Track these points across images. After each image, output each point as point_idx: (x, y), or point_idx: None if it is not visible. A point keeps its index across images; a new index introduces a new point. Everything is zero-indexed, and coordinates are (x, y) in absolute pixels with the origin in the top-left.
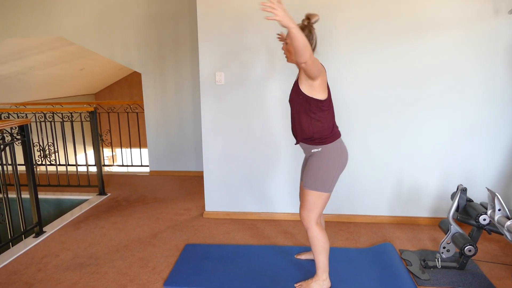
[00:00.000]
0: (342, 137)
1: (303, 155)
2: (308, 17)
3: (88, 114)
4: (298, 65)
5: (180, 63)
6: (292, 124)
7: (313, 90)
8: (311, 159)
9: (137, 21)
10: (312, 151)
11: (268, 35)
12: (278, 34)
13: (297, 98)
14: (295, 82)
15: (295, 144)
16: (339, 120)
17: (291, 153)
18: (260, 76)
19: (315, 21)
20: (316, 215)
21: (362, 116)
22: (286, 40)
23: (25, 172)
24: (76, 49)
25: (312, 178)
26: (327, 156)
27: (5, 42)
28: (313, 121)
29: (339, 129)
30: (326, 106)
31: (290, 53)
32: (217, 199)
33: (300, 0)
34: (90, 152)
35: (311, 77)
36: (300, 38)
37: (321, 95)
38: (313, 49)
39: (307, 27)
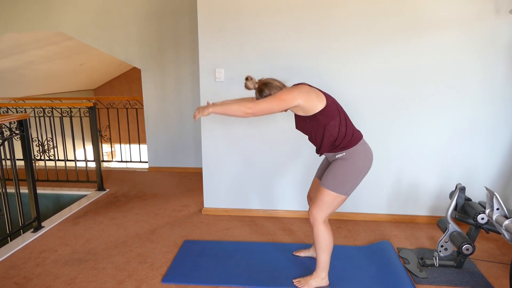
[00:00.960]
0: None
1: (305, 152)
2: (247, 87)
3: (87, 109)
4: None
5: (180, 59)
6: (313, 142)
7: (307, 110)
8: (335, 163)
9: (137, 17)
10: (337, 156)
11: (268, 31)
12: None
13: (304, 122)
14: (294, 115)
15: (319, 156)
16: None
17: (291, 150)
18: (260, 73)
19: (253, 85)
20: (326, 215)
21: (361, 114)
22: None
23: (23, 167)
24: (76, 44)
25: (332, 179)
26: (351, 160)
27: (5, 37)
28: (330, 130)
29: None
30: (333, 112)
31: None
32: (216, 195)
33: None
34: (89, 147)
35: (284, 109)
36: (225, 110)
37: (318, 107)
38: (283, 86)
39: (259, 87)
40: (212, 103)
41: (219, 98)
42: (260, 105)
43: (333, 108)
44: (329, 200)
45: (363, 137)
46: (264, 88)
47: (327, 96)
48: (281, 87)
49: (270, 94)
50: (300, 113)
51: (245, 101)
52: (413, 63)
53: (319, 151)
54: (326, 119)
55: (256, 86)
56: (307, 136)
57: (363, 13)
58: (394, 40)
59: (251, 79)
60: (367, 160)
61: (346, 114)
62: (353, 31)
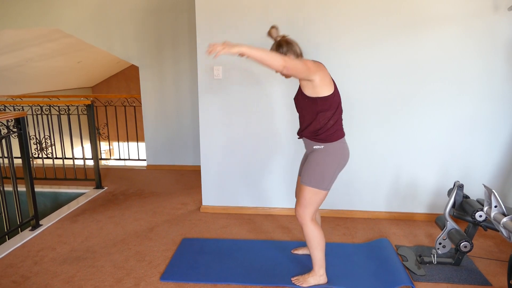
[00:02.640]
0: None
1: (301, 150)
2: (270, 34)
3: (85, 107)
4: (284, 75)
5: (178, 56)
6: (301, 121)
7: (316, 89)
8: (312, 155)
9: (135, 14)
10: (314, 147)
11: (266, 29)
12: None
13: (303, 100)
14: (299, 86)
15: (298, 138)
16: None
17: (290, 149)
18: (259, 71)
19: (276, 34)
20: (311, 212)
21: (361, 111)
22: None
23: (21, 165)
24: (74, 41)
25: (311, 175)
26: (328, 154)
27: (2, 34)
28: (320, 119)
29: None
30: (333, 103)
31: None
32: (214, 193)
33: None
34: (87, 145)
35: (304, 78)
36: (256, 53)
37: (325, 91)
38: (300, 55)
39: (280, 42)
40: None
41: (217, 96)
42: (293, 62)
43: (334, 100)
44: (311, 197)
45: (345, 136)
46: (284, 45)
47: (335, 88)
48: (299, 54)
49: (285, 53)
50: (306, 89)
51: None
52: (412, 59)
53: (301, 133)
54: (322, 106)
55: (278, 39)
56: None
57: (362, 10)
58: (393, 37)
59: (277, 29)
60: (343, 157)
61: (341, 111)
62: (352, 28)
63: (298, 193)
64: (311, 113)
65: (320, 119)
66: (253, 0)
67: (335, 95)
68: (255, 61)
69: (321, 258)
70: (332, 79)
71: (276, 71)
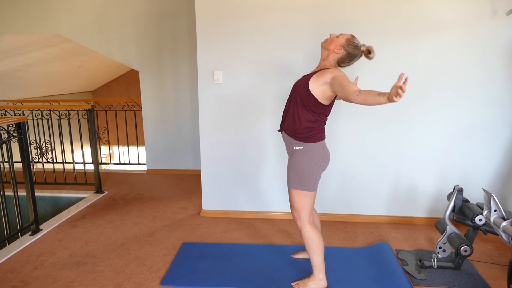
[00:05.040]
0: (339, 136)
1: None
2: (369, 51)
3: (85, 111)
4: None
5: (178, 61)
6: (285, 111)
7: (323, 96)
8: (293, 158)
9: (135, 19)
10: (294, 147)
11: (266, 34)
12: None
13: (302, 89)
14: (307, 75)
15: (278, 131)
16: (336, 120)
17: None
18: (258, 75)
19: (371, 56)
20: (306, 214)
21: (360, 115)
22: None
23: (21, 170)
24: (74, 46)
25: (296, 178)
26: (309, 155)
27: (2, 39)
28: (308, 116)
29: (334, 128)
30: (323, 108)
31: (330, 44)
32: (214, 198)
33: (301, 0)
34: (87, 150)
35: (333, 93)
36: (374, 102)
37: (325, 101)
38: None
39: (360, 53)
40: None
41: (217, 101)
42: (363, 94)
43: (322, 111)
44: (301, 199)
45: (325, 140)
46: (355, 56)
47: (331, 104)
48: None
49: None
50: (317, 85)
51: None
52: (411, 64)
53: (281, 126)
54: (314, 108)
55: (364, 49)
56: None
57: (362, 14)
58: (392, 43)
59: (370, 50)
60: (324, 158)
61: (325, 120)
62: (352, 33)
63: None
64: (297, 105)
65: (304, 116)
66: (253, 5)
67: (327, 109)
68: (371, 103)
69: (320, 262)
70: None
71: (342, 97)
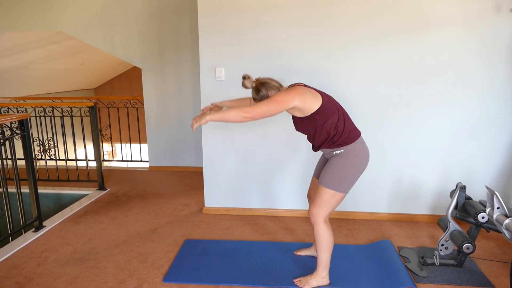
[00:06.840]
0: None
1: (304, 151)
2: (245, 85)
3: (88, 109)
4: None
5: (180, 58)
6: (311, 141)
7: (303, 110)
8: (333, 159)
9: (137, 16)
10: (334, 153)
11: (269, 30)
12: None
13: (301, 123)
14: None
15: (314, 151)
16: None
17: (292, 149)
18: (261, 72)
19: (250, 83)
20: (325, 213)
21: (362, 113)
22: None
23: (24, 167)
24: (77, 43)
25: (331, 177)
26: (349, 157)
27: (5, 36)
28: (328, 128)
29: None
30: (331, 109)
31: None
32: (216, 194)
33: None
34: (90, 147)
35: (281, 111)
36: (222, 118)
37: (314, 106)
38: (280, 86)
39: (256, 87)
40: (211, 104)
41: (219, 98)
42: (258, 109)
43: (330, 107)
44: (328, 199)
45: (361, 135)
46: (261, 88)
47: (323, 95)
48: (278, 87)
49: (267, 94)
50: (298, 114)
51: (243, 101)
52: (413, 61)
53: (316, 149)
54: (323, 117)
55: (254, 85)
56: (306, 135)
57: (363, 11)
58: (394, 39)
59: (248, 77)
60: (364, 158)
61: (345, 112)
62: (353, 30)
63: (312, 194)
64: (316, 128)
65: (328, 128)
66: (255, 2)
67: (326, 103)
68: (222, 122)
69: (327, 259)
70: (316, 90)
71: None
